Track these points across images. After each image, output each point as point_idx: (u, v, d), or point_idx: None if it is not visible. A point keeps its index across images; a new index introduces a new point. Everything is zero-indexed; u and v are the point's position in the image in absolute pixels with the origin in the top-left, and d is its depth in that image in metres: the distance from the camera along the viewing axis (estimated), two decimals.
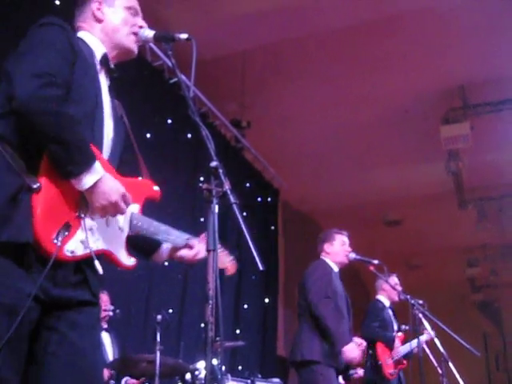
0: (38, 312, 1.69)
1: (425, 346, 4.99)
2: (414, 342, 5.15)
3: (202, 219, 6.15)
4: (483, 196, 9.94)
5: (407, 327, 5.59)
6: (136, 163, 2.15)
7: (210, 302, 1.66)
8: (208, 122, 7.08)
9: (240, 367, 7.23)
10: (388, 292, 5.90)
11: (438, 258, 11.98)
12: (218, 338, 1.70)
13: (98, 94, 1.90)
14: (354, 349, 4.10)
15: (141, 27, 2.07)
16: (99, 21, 2.04)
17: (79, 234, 1.75)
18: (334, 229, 4.66)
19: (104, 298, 4.65)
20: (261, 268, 1.65)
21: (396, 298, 5.73)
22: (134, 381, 4.45)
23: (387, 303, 5.98)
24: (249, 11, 6.24)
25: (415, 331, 4.39)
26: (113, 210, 1.78)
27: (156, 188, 2.11)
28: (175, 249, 2.17)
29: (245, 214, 6.85)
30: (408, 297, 4.42)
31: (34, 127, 1.66)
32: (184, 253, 2.18)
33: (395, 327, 5.90)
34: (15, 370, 1.64)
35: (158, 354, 3.91)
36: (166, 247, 2.16)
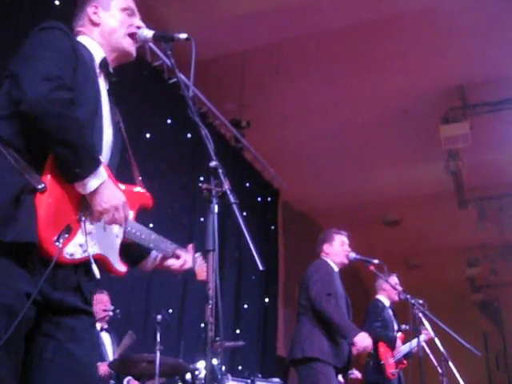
0: (34, 312, 1.69)
1: (425, 346, 4.99)
2: (414, 342, 5.15)
3: (201, 219, 6.16)
4: (483, 196, 9.93)
5: (407, 327, 5.60)
6: (130, 170, 2.15)
7: (210, 301, 1.67)
8: (208, 122, 7.08)
9: (240, 367, 7.24)
10: (388, 292, 5.90)
11: (437, 257, 11.98)
12: (218, 338, 1.70)
13: (98, 98, 1.91)
14: (365, 337, 4.11)
15: (138, 27, 2.07)
16: (96, 25, 2.04)
17: (79, 238, 1.75)
18: (334, 229, 4.66)
19: (104, 299, 4.66)
20: (261, 268, 1.66)
21: (396, 298, 5.73)
22: (135, 381, 4.45)
23: (387, 303, 5.98)
24: (249, 11, 6.23)
25: (415, 331, 4.39)
26: (112, 214, 1.78)
27: (149, 197, 2.12)
28: (163, 258, 2.19)
29: (245, 213, 6.84)
30: (408, 296, 4.42)
31: (43, 130, 1.66)
32: (171, 262, 2.21)
33: (395, 327, 5.90)
34: (12, 371, 1.64)
35: (158, 353, 3.91)
36: (153, 256, 2.17)
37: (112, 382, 4.36)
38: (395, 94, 7.63)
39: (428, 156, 8.61)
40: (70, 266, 1.76)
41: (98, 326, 4.66)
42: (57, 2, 4.79)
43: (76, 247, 1.74)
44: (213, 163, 1.76)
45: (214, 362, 3.71)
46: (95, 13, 2.05)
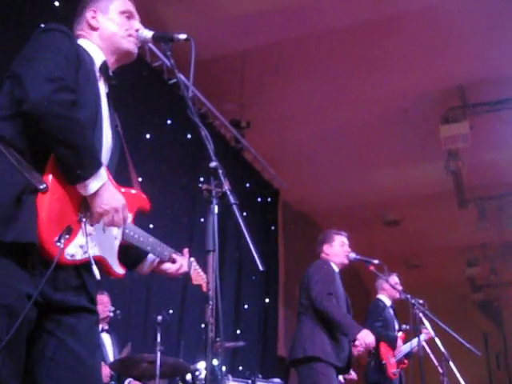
0: (36, 313, 1.69)
1: (425, 346, 4.99)
2: (415, 342, 5.15)
3: (201, 220, 6.16)
4: (483, 195, 9.93)
5: (408, 327, 5.60)
6: (128, 173, 2.15)
7: (211, 302, 1.67)
8: (207, 123, 7.08)
9: (240, 367, 7.24)
10: (388, 291, 5.90)
11: (437, 257, 11.97)
12: (218, 339, 1.70)
13: (98, 101, 1.91)
14: (368, 334, 4.11)
15: (137, 30, 2.07)
16: (95, 29, 2.05)
17: (79, 239, 1.75)
18: (334, 229, 4.66)
19: (105, 300, 4.65)
20: (261, 268, 1.66)
21: (397, 296, 5.73)
22: (137, 382, 4.45)
23: (388, 302, 5.98)
24: (249, 11, 6.23)
25: (415, 331, 4.39)
26: (113, 216, 1.78)
27: (147, 199, 2.12)
28: (160, 261, 2.19)
29: (245, 214, 6.85)
30: (408, 296, 4.42)
31: (45, 130, 1.66)
32: (167, 266, 2.21)
33: (396, 326, 5.90)
34: (14, 373, 1.64)
35: (159, 354, 3.91)
36: (150, 260, 2.17)
37: (112, 383, 4.35)
38: (395, 94, 7.63)
39: (428, 156, 8.61)
40: (71, 267, 1.76)
41: (99, 326, 4.66)
42: (57, 3, 4.79)
43: (77, 248, 1.74)
44: (213, 164, 1.77)
45: (215, 362, 3.71)
46: (94, 17, 2.06)
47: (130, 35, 2.06)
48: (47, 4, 4.76)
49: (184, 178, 6.65)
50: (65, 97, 1.68)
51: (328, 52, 6.90)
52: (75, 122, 1.69)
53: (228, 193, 1.73)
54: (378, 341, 5.60)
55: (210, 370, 1.78)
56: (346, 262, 4.50)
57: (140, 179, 2.14)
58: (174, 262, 2.21)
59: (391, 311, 5.97)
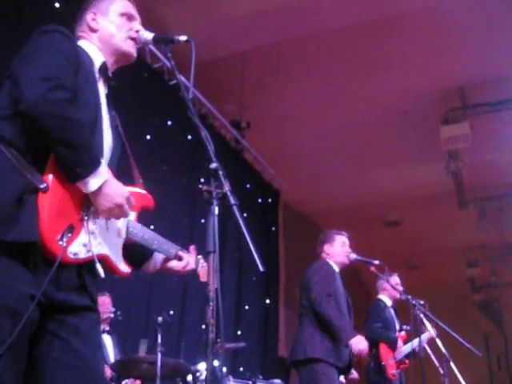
0: (38, 314, 1.68)
1: (426, 346, 4.98)
2: (415, 342, 5.14)
3: (202, 221, 6.15)
4: (483, 196, 9.93)
5: (408, 327, 5.59)
6: (130, 172, 2.15)
7: (211, 303, 1.66)
8: (208, 123, 7.09)
9: (241, 368, 7.23)
10: (389, 291, 5.90)
11: (437, 258, 11.97)
12: (219, 340, 1.70)
13: (97, 102, 1.91)
14: (360, 340, 4.12)
15: (137, 31, 2.07)
16: (95, 31, 2.05)
17: (82, 237, 1.75)
18: (334, 230, 4.67)
19: (106, 301, 4.65)
20: (261, 269, 1.65)
21: (398, 296, 5.73)
22: (137, 382, 4.44)
23: (389, 303, 5.98)
24: (249, 11, 6.24)
25: (416, 331, 4.39)
26: (118, 212, 1.79)
27: (150, 198, 2.13)
28: (166, 259, 2.19)
29: (245, 215, 6.85)
30: (409, 297, 4.42)
31: (42, 130, 1.67)
32: (174, 264, 2.21)
33: (397, 327, 5.89)
34: (16, 375, 1.64)
35: (159, 355, 3.91)
36: (156, 258, 2.17)
37: None
38: (395, 94, 7.63)
39: (428, 156, 8.62)
40: (74, 266, 1.76)
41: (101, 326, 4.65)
42: (57, 5, 4.79)
43: (80, 247, 1.74)
44: (213, 165, 1.76)
45: (215, 363, 3.72)
46: (94, 19, 2.06)
47: (129, 37, 2.06)
48: (47, 5, 4.76)
49: (184, 179, 6.65)
50: (60, 95, 1.68)
51: (328, 52, 6.90)
52: (71, 121, 1.69)
53: (228, 194, 1.72)
54: (377, 342, 5.62)
55: (211, 370, 1.78)
56: (347, 261, 4.51)
57: (141, 180, 2.14)
58: (180, 259, 2.21)
59: (392, 311, 5.97)
